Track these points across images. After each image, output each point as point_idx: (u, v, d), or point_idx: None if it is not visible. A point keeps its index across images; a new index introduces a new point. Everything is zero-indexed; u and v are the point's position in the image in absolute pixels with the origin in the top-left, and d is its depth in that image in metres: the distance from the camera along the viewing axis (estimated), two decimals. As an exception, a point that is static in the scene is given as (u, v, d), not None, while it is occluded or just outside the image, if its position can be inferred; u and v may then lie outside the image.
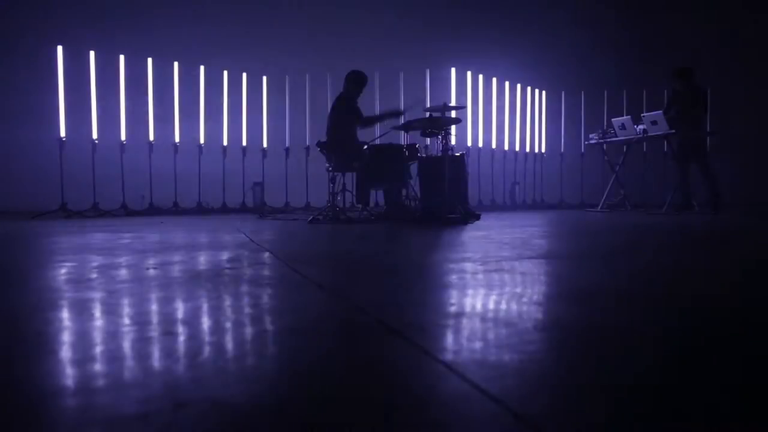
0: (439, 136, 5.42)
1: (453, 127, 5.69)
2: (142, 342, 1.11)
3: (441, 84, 8.92)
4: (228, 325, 1.28)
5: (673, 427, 0.72)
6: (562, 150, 10.09)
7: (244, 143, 8.52)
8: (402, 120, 6.03)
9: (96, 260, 2.42)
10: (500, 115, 9.72)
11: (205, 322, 1.31)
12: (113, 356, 1.03)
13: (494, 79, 9.62)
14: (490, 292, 1.64)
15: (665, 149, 7.90)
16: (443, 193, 5.13)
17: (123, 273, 2.06)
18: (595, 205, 8.22)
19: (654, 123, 6.88)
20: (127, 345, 1.10)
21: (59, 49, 7.11)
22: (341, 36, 9.42)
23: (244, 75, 8.57)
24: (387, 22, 9.77)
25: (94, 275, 2.01)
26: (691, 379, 0.90)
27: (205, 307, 1.48)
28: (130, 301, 1.55)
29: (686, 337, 1.17)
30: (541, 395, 0.82)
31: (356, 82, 5.95)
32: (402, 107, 7.37)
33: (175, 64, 8.00)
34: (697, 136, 6.96)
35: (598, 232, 4.29)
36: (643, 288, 1.79)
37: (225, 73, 8.46)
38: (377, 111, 7.79)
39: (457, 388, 0.85)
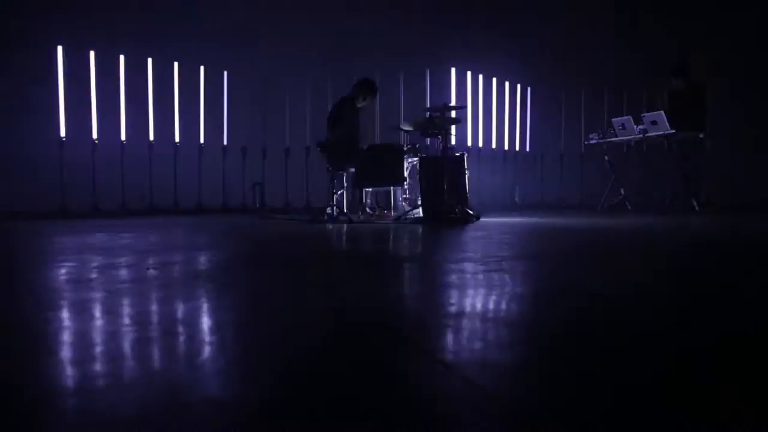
0: (439, 137, 5.42)
1: (453, 127, 5.69)
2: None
3: (441, 84, 8.92)
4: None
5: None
6: (562, 150, 10.09)
7: (244, 143, 8.52)
8: None
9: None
10: (500, 115, 9.72)
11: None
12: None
13: (494, 79, 9.62)
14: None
15: (665, 149, 7.89)
16: (443, 193, 5.13)
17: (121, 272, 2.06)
18: (594, 206, 8.21)
19: (654, 123, 6.88)
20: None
21: (59, 48, 7.11)
22: (341, 36, 9.40)
23: (244, 75, 8.56)
24: (387, 22, 9.76)
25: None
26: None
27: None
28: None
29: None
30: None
31: (363, 89, 5.90)
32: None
33: (175, 64, 8.00)
34: (696, 136, 6.96)
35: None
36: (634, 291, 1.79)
37: (225, 73, 8.45)
38: (377, 111, 7.79)
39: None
